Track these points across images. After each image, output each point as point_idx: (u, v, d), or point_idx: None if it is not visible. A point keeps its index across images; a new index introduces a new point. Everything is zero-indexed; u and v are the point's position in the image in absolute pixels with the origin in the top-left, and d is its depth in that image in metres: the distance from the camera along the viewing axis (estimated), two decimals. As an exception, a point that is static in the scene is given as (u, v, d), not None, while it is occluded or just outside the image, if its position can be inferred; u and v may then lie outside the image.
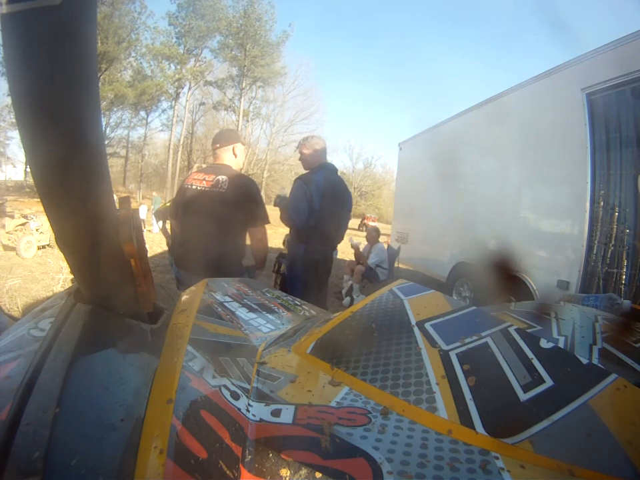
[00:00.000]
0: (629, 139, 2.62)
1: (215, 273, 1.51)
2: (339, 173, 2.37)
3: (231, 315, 0.73)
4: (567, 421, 0.41)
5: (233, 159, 1.83)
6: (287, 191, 2.32)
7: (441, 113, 5.05)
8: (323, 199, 2.09)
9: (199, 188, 1.74)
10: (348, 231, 2.74)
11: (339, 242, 2.41)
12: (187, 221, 1.78)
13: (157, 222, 2.84)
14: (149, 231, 9.77)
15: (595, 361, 0.67)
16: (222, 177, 1.70)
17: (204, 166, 2.63)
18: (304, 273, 2.16)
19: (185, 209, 1.77)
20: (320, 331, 0.64)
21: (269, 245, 1.90)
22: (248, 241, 1.83)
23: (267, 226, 1.82)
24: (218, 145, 1.82)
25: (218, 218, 1.65)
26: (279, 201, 2.28)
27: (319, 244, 2.16)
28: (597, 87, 2.71)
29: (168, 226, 2.66)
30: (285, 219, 2.19)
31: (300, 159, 2.30)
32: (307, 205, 2.07)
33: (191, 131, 22.88)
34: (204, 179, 1.74)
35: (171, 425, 0.36)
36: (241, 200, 1.68)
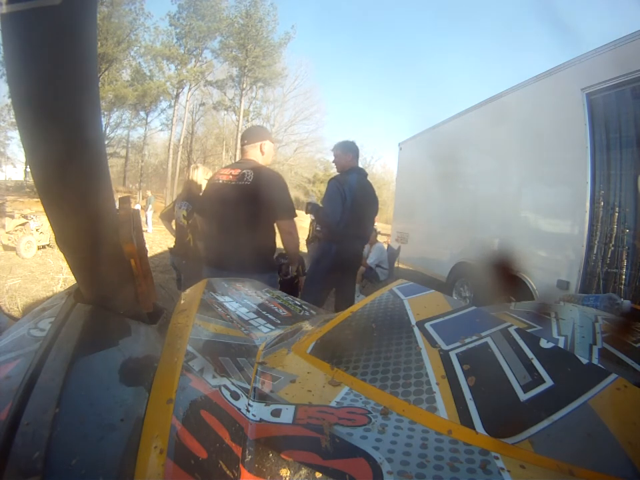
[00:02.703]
0: (628, 138, 2.61)
1: (245, 268, 1.52)
2: None
3: (230, 315, 0.73)
4: (567, 421, 0.41)
5: (260, 155, 1.83)
6: (314, 198, 2.54)
7: (440, 112, 5.06)
8: (354, 200, 2.23)
9: (223, 182, 1.74)
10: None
11: (366, 243, 2.61)
12: (214, 215, 1.78)
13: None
14: (145, 231, 9.75)
15: (595, 361, 0.67)
16: (247, 171, 1.71)
17: (199, 165, 2.67)
18: (330, 270, 2.27)
19: (212, 204, 1.78)
20: (320, 331, 0.64)
21: (276, 245, 1.90)
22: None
23: None
24: (246, 142, 1.82)
25: (244, 211, 1.65)
26: (311, 208, 2.45)
27: (350, 243, 2.29)
28: (597, 87, 2.71)
29: (174, 225, 2.79)
30: (321, 219, 2.35)
31: (334, 162, 2.48)
32: (341, 204, 2.22)
33: (191, 131, 22.86)
34: (230, 173, 1.75)
35: (171, 424, 0.36)
36: (267, 192, 1.67)
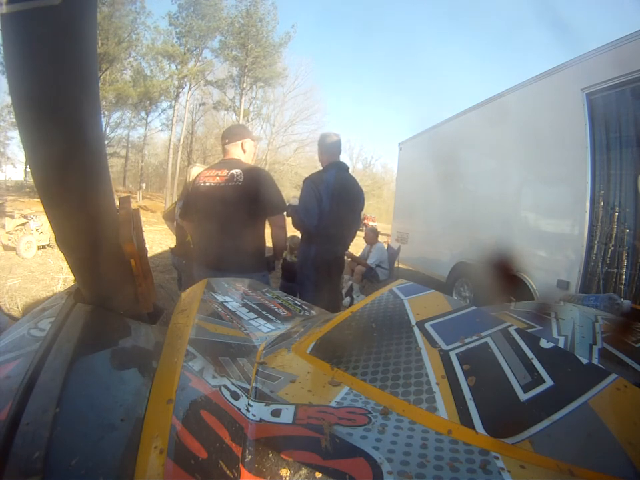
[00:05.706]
0: (629, 138, 2.61)
1: (243, 268, 1.54)
2: None
3: (231, 315, 0.73)
4: (567, 421, 0.41)
5: (242, 154, 1.84)
6: (297, 201, 2.32)
7: (441, 112, 5.06)
8: (332, 199, 2.08)
9: (212, 185, 1.73)
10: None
11: (351, 242, 2.41)
12: (207, 219, 1.76)
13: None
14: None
15: (595, 360, 0.67)
16: (236, 171, 1.70)
17: (197, 164, 2.63)
18: (315, 273, 2.17)
19: (202, 208, 1.76)
20: (320, 331, 0.64)
21: (266, 242, 1.91)
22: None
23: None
24: (227, 141, 1.83)
25: (239, 212, 1.65)
26: (290, 210, 2.25)
27: (330, 244, 2.16)
28: (597, 87, 2.71)
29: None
30: (296, 221, 2.18)
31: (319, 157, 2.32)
32: (317, 206, 2.07)
33: (191, 131, 22.85)
34: (217, 175, 1.74)
35: (170, 425, 0.36)
36: (259, 190, 1.68)
